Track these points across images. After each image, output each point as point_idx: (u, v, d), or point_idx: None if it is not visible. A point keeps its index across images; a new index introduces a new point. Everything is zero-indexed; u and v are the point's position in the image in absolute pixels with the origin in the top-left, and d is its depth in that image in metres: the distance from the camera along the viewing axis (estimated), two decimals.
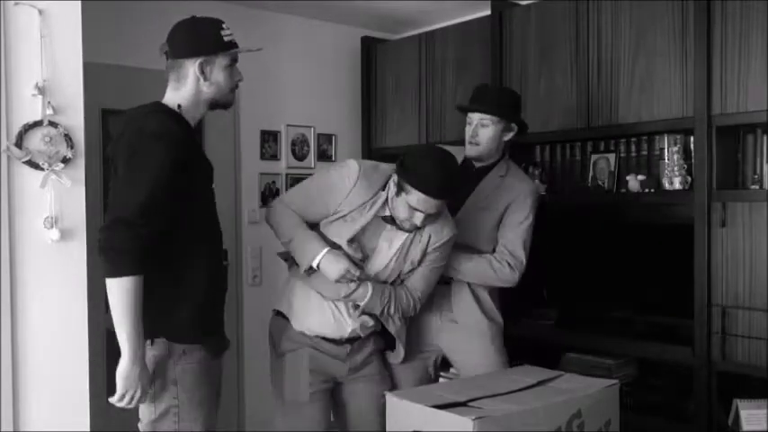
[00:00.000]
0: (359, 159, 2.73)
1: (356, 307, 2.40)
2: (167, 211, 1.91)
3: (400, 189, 2.29)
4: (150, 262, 1.90)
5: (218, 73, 2.07)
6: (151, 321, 1.94)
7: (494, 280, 2.64)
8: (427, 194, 2.24)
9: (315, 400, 2.45)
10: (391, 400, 2.06)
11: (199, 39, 2.06)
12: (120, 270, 1.86)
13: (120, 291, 1.86)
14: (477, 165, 2.74)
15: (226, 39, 2.07)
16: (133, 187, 1.88)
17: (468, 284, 2.68)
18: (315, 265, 2.32)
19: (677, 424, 3.03)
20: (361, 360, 2.51)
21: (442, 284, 2.65)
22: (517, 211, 2.65)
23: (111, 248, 1.86)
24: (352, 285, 2.35)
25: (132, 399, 1.94)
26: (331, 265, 2.31)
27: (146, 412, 2.04)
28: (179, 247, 1.99)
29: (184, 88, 2.06)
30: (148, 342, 1.96)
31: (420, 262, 2.45)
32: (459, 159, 2.66)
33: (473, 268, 2.62)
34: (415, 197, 2.25)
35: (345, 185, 2.34)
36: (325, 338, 2.44)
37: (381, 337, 2.57)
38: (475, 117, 2.67)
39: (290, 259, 2.49)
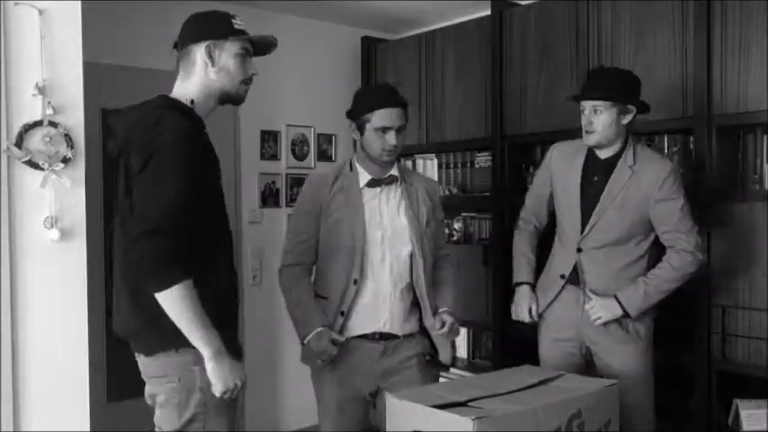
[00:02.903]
0: None
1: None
2: (192, 216, 1.84)
3: (361, 126, 2.48)
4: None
5: (228, 59, 1.99)
6: (174, 330, 1.85)
7: (682, 277, 2.55)
8: (383, 105, 2.44)
9: (343, 412, 2.50)
10: (391, 400, 2.05)
11: (207, 24, 2.00)
12: (169, 280, 1.79)
13: (177, 299, 1.80)
14: (602, 156, 2.64)
15: (236, 26, 2.01)
16: (156, 196, 1.80)
17: (641, 281, 2.58)
18: (306, 342, 2.46)
19: (677, 424, 3.03)
20: (397, 361, 2.50)
21: (576, 286, 2.67)
22: (664, 200, 2.54)
23: (151, 260, 1.78)
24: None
25: (235, 390, 1.91)
26: (314, 343, 2.43)
27: (167, 419, 1.93)
28: (198, 249, 1.89)
29: (193, 78, 1.99)
30: (173, 350, 1.88)
31: (427, 221, 2.55)
32: (583, 152, 2.68)
33: (660, 284, 2.55)
34: (377, 117, 2.44)
35: (308, 192, 2.57)
36: (357, 336, 2.47)
37: (425, 341, 2.57)
38: (587, 104, 2.57)
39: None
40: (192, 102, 1.99)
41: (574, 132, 3.33)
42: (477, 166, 3.93)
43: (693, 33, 2.92)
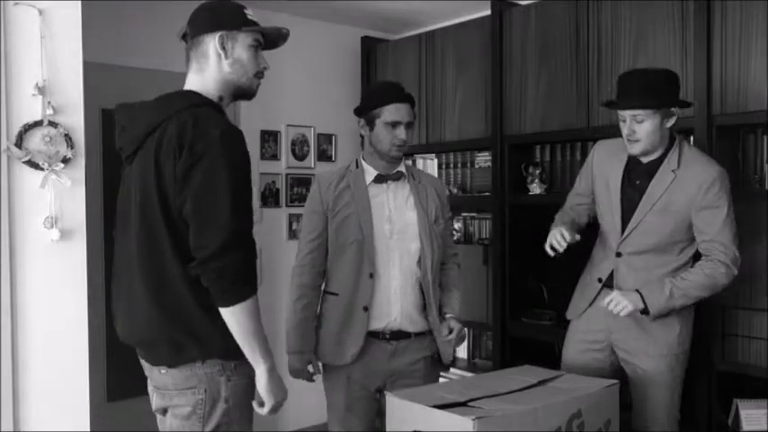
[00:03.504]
0: None
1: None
2: (251, 216, 1.84)
3: (371, 121, 2.51)
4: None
5: (241, 51, 1.92)
6: (204, 340, 1.83)
7: (713, 287, 2.43)
8: (393, 100, 2.48)
9: (353, 411, 2.52)
10: (391, 400, 2.06)
11: (220, 14, 1.94)
12: (246, 293, 1.77)
13: (248, 313, 1.77)
14: (644, 161, 2.53)
15: (249, 17, 1.95)
16: (224, 203, 1.74)
17: (668, 281, 2.45)
18: (289, 354, 2.56)
19: (677, 424, 3.03)
20: (406, 363, 2.52)
21: (612, 290, 2.56)
22: (707, 207, 2.41)
23: (231, 275, 1.74)
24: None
25: (281, 406, 1.90)
26: (292, 364, 2.56)
27: (188, 428, 1.88)
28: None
29: (207, 70, 1.93)
30: (200, 361, 1.84)
31: (436, 218, 2.58)
32: (624, 157, 2.57)
33: (688, 288, 2.42)
34: (387, 112, 2.47)
35: (315, 193, 2.57)
36: (369, 334, 2.49)
37: (433, 343, 2.59)
38: (627, 113, 2.43)
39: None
40: (221, 98, 1.95)
41: (574, 133, 3.35)
42: (477, 166, 3.93)
43: (693, 33, 2.92)
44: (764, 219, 2.76)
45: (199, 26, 1.94)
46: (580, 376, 2.34)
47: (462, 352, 4.06)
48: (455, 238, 4.03)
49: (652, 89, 2.42)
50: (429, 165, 4.21)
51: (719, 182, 2.43)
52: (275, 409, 1.89)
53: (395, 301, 2.49)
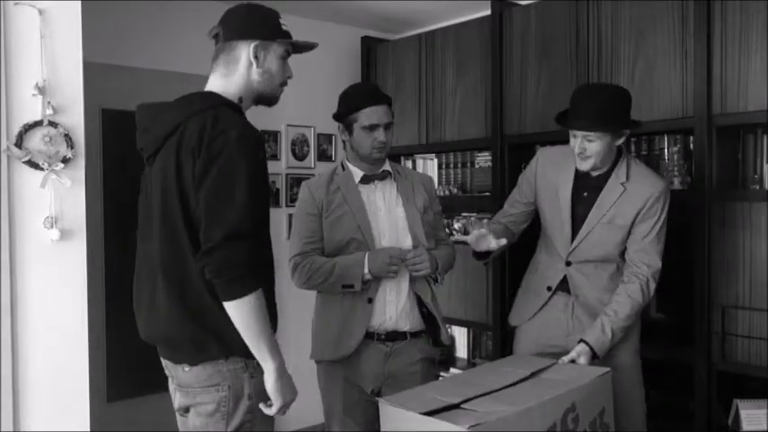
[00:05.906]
0: None
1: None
2: (262, 220, 1.84)
3: (349, 126, 2.51)
4: None
5: (272, 61, 1.96)
6: (225, 338, 1.82)
7: (641, 305, 2.50)
8: (369, 104, 2.47)
9: (350, 413, 2.52)
10: (384, 406, 2.01)
11: (257, 22, 1.95)
12: (248, 287, 1.74)
13: (251, 308, 1.75)
14: (594, 174, 2.57)
15: (284, 28, 1.97)
16: (234, 198, 1.74)
17: (606, 321, 2.47)
18: (366, 272, 2.42)
19: (677, 424, 3.03)
20: (402, 365, 2.52)
21: (566, 293, 2.62)
22: (647, 219, 2.50)
23: (234, 267, 1.72)
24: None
25: (289, 407, 1.88)
26: (374, 260, 2.41)
27: (214, 428, 1.87)
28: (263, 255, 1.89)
29: (235, 75, 1.93)
30: (223, 358, 1.85)
31: (425, 209, 2.59)
32: (572, 162, 2.59)
33: (621, 320, 2.46)
34: (364, 116, 2.47)
35: (307, 196, 2.56)
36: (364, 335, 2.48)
37: (429, 344, 2.59)
38: (578, 132, 2.48)
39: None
40: (241, 100, 1.94)
41: None
42: (477, 166, 3.93)
43: (693, 33, 2.92)
44: (764, 219, 2.76)
45: (233, 31, 1.93)
46: (572, 365, 2.33)
47: (462, 352, 4.06)
48: (455, 237, 4.03)
49: (604, 111, 2.43)
50: (429, 165, 4.21)
51: (664, 196, 2.52)
52: (283, 409, 1.88)
53: (391, 298, 2.50)
